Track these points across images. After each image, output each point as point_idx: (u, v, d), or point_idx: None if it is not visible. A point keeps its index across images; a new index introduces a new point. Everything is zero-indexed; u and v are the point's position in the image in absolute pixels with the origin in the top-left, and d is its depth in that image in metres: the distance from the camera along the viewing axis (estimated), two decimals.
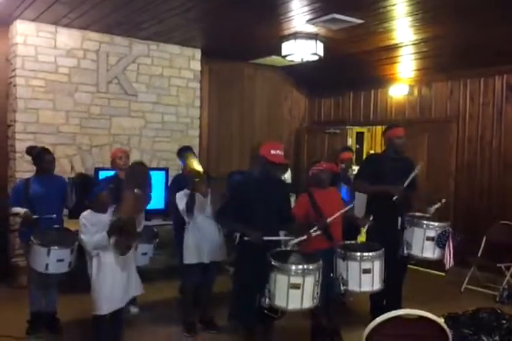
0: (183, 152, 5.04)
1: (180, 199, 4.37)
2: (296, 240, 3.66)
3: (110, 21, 5.54)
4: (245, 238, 3.52)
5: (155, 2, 4.74)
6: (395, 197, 4.20)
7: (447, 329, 2.36)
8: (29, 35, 5.64)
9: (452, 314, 3.06)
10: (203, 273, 4.45)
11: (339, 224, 4.08)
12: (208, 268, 4.45)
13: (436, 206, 4.33)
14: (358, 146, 10.05)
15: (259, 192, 3.66)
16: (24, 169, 5.18)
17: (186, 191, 4.36)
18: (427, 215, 4.36)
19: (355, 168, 6.09)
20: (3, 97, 5.92)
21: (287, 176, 6.68)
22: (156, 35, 6.16)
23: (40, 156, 4.35)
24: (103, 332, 3.73)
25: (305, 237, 3.68)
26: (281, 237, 3.74)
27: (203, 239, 4.38)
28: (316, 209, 3.98)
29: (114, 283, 3.64)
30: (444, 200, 4.40)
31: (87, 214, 3.71)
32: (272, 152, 3.64)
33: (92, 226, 3.63)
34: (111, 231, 3.50)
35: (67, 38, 5.87)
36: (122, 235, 3.51)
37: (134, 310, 4.83)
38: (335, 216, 3.88)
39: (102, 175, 5.32)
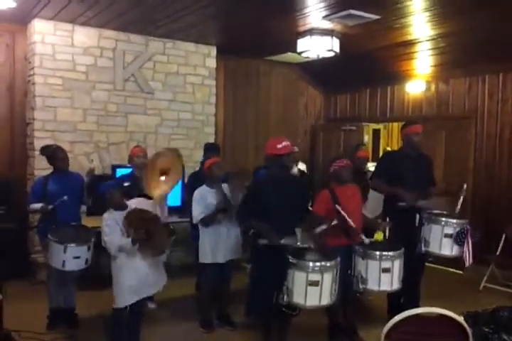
0: (208, 152, 5.03)
1: (197, 202, 4.33)
2: (319, 229, 3.62)
3: (126, 19, 5.57)
4: (261, 241, 3.52)
5: (171, 0, 4.75)
6: (401, 204, 4.21)
7: (467, 328, 2.34)
8: (47, 34, 5.70)
9: (472, 312, 3.04)
10: (219, 270, 4.46)
11: (359, 222, 4.06)
12: (224, 266, 4.45)
13: (460, 200, 4.30)
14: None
15: (276, 190, 3.67)
16: (43, 167, 5.21)
17: (205, 190, 4.36)
18: (445, 212, 4.32)
19: (371, 165, 6.07)
20: (22, 95, 5.99)
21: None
22: (171, 33, 6.18)
23: (53, 154, 4.38)
24: (121, 325, 3.75)
25: (324, 227, 3.65)
26: (299, 242, 3.67)
27: (219, 239, 4.37)
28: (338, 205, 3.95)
29: (137, 276, 3.62)
30: (464, 186, 4.42)
31: (107, 214, 3.68)
32: (279, 146, 3.70)
33: (116, 225, 3.60)
34: (134, 240, 3.50)
35: (84, 36, 5.91)
36: (148, 241, 3.51)
37: (151, 305, 4.87)
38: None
39: (120, 172, 5.36)
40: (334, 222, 3.72)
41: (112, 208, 3.69)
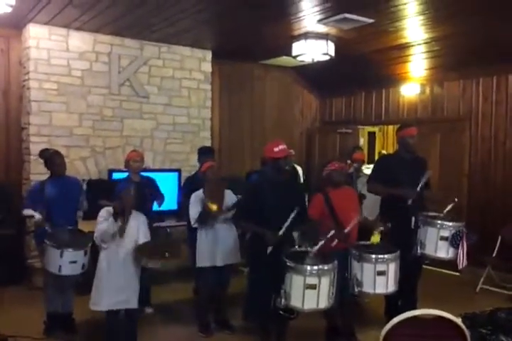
0: (203, 156, 5.03)
1: (194, 204, 4.36)
2: (315, 248, 3.63)
3: (121, 24, 5.58)
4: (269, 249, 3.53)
5: (166, 4, 4.77)
6: (409, 201, 4.18)
7: (465, 329, 2.35)
8: (42, 39, 5.69)
9: (469, 314, 3.05)
10: (217, 274, 4.45)
11: (355, 225, 4.06)
12: (222, 270, 4.45)
13: (448, 208, 4.28)
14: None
15: (273, 193, 3.68)
16: (39, 171, 5.21)
17: (200, 194, 4.37)
18: (441, 215, 4.32)
19: (366, 167, 6.09)
20: (17, 100, 5.98)
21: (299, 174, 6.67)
22: (167, 37, 6.19)
23: (51, 160, 4.38)
24: (114, 329, 3.76)
25: (322, 243, 3.66)
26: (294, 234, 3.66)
27: (216, 242, 4.37)
28: (332, 211, 3.96)
29: (117, 280, 3.67)
30: (456, 200, 4.37)
31: (106, 209, 3.74)
32: (276, 149, 3.74)
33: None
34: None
35: (79, 41, 5.91)
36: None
37: (148, 310, 4.85)
38: (351, 225, 3.85)
39: (116, 176, 5.36)
40: (331, 233, 3.71)
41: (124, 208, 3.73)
